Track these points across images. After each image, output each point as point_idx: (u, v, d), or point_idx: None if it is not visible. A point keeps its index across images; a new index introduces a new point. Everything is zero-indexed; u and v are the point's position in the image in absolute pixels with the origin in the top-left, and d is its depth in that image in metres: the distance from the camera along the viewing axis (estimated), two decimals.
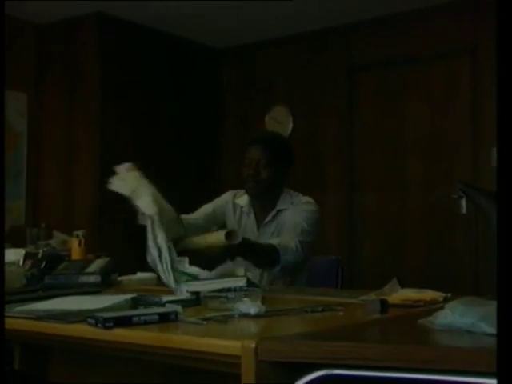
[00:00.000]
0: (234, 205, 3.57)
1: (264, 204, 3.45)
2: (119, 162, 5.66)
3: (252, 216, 3.48)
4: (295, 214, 3.36)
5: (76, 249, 3.52)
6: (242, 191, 3.56)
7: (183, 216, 3.42)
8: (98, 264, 3.14)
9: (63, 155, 5.83)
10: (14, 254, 2.10)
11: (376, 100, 5.90)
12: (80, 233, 3.58)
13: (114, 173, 2.76)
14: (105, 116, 5.72)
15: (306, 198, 3.48)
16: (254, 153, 3.43)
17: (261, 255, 3.10)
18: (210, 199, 3.64)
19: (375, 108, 5.89)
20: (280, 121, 6.28)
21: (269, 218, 3.41)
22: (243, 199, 3.55)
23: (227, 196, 3.65)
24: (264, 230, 3.42)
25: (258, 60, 6.48)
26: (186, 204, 6.18)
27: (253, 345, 1.55)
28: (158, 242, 2.51)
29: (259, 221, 3.46)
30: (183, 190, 6.18)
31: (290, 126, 6.23)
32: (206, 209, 3.61)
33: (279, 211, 3.41)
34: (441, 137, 5.56)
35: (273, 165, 3.39)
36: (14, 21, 5.73)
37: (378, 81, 5.90)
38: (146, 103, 5.99)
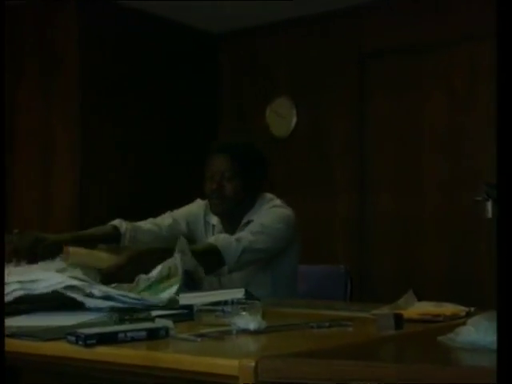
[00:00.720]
0: (205, 222, 3.51)
1: (234, 220, 3.37)
2: (102, 160, 5.73)
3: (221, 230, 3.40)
4: (259, 216, 3.28)
5: None
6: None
7: (149, 221, 3.58)
8: (78, 273, 3.13)
9: (38, 152, 5.83)
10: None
11: (390, 91, 5.90)
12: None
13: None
14: (86, 108, 5.72)
15: (278, 202, 3.38)
16: (217, 164, 3.33)
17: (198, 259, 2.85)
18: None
19: (389, 100, 5.90)
20: (282, 114, 6.28)
21: (237, 232, 3.29)
22: (213, 217, 3.47)
23: (198, 209, 3.57)
24: None
25: (258, 46, 6.48)
26: (178, 202, 6.22)
27: (252, 364, 1.56)
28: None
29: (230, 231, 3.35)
30: (174, 187, 6.19)
31: (294, 119, 6.24)
32: (174, 220, 3.57)
33: (249, 221, 3.31)
34: (463, 132, 5.57)
35: (240, 177, 3.29)
36: None
37: (392, 69, 5.91)
38: (132, 94, 5.99)
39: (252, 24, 6.35)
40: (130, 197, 5.90)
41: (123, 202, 5.85)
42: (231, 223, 3.37)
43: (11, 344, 2.00)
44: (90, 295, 2.36)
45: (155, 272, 2.55)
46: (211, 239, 3.15)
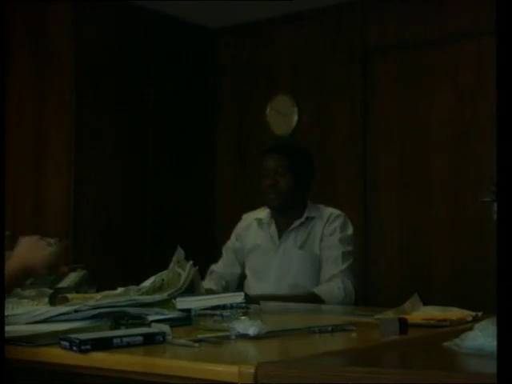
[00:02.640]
0: (253, 222, 3.84)
1: (288, 215, 3.72)
2: (97, 159, 5.72)
3: (273, 226, 3.76)
4: (332, 233, 3.67)
5: None
6: (260, 209, 3.86)
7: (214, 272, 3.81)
8: (72, 278, 3.13)
9: (31, 152, 5.81)
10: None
11: (394, 88, 5.89)
12: (52, 241, 3.58)
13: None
14: (79, 105, 5.71)
15: (335, 211, 3.80)
16: (269, 162, 3.70)
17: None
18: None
19: (393, 97, 5.89)
20: (283, 112, 6.28)
21: (296, 224, 3.69)
22: (263, 212, 3.82)
23: (244, 223, 3.90)
24: (287, 238, 3.69)
25: (258, 42, 6.47)
26: (175, 202, 6.23)
27: (251, 370, 1.56)
28: None
29: (281, 230, 3.73)
30: (172, 188, 6.20)
31: (295, 118, 6.23)
32: (230, 256, 3.87)
33: (308, 218, 3.70)
34: (470, 130, 5.56)
35: (291, 173, 3.66)
36: None
37: (396, 66, 5.90)
38: (128, 91, 5.99)
39: (252, 20, 6.34)
40: (125, 197, 5.90)
41: (117, 202, 5.85)
42: (286, 216, 3.73)
43: (5, 350, 2.01)
44: (78, 310, 2.37)
45: (148, 283, 2.55)
46: (315, 289, 3.50)
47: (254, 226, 3.81)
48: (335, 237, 3.64)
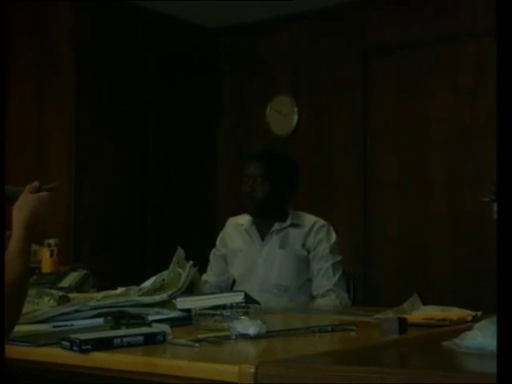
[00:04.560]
0: (236, 227, 3.85)
1: (267, 221, 3.73)
2: (98, 159, 5.72)
3: (255, 231, 3.76)
4: (318, 243, 3.66)
5: (47, 260, 3.52)
6: (243, 214, 3.86)
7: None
8: (72, 278, 3.14)
9: (32, 152, 5.81)
10: None
11: (394, 88, 5.89)
12: (52, 241, 3.59)
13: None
14: (81, 105, 5.70)
15: (318, 220, 3.75)
16: (249, 169, 3.73)
17: None
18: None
19: (394, 97, 5.89)
20: (283, 112, 6.27)
21: (276, 227, 3.70)
22: (245, 218, 3.83)
23: (230, 226, 3.91)
24: (269, 240, 3.72)
25: (258, 42, 6.47)
26: (175, 202, 6.23)
27: (252, 370, 1.56)
28: None
29: (263, 233, 3.75)
30: (172, 188, 6.20)
31: (295, 118, 6.23)
32: (220, 264, 3.87)
33: (292, 224, 3.70)
34: (469, 130, 5.56)
35: (269, 181, 3.67)
36: None
37: (397, 66, 5.90)
38: (128, 93, 5.98)
39: (252, 20, 6.34)
40: (125, 198, 5.90)
41: (118, 202, 5.85)
42: (263, 225, 3.75)
43: (5, 349, 2.00)
44: (79, 310, 2.36)
45: (148, 283, 2.55)
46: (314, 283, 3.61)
47: (236, 231, 3.82)
48: (323, 248, 3.64)
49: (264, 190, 3.64)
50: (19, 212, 2.14)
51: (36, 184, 2.21)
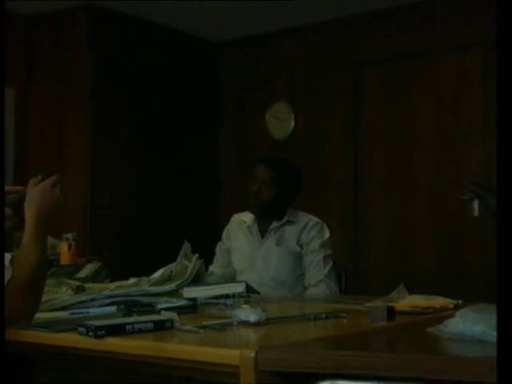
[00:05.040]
0: (239, 224, 3.83)
1: (268, 219, 3.72)
2: (112, 161, 5.72)
3: (256, 228, 3.75)
4: (311, 239, 3.65)
5: (65, 253, 3.51)
6: (247, 211, 3.83)
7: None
8: (89, 269, 3.14)
9: (52, 154, 5.81)
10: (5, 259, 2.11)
11: (383, 96, 5.89)
12: (70, 236, 3.58)
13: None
14: (96, 113, 5.70)
15: (313, 218, 3.74)
16: (259, 172, 3.70)
17: None
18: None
19: (382, 104, 5.88)
20: (281, 118, 6.27)
21: (274, 225, 3.69)
22: (248, 216, 3.80)
23: (233, 223, 3.90)
24: (268, 237, 3.70)
25: (258, 54, 6.46)
26: (182, 201, 6.22)
27: (252, 354, 1.56)
28: None
29: (263, 231, 3.74)
30: (179, 188, 6.19)
31: (292, 123, 6.22)
32: (225, 256, 3.87)
33: (288, 222, 3.69)
34: (451, 135, 5.55)
35: (276, 187, 3.65)
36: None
37: (385, 75, 5.89)
38: (139, 99, 5.98)
39: (253, 34, 6.33)
40: (137, 197, 5.89)
41: (130, 201, 5.85)
42: (263, 223, 3.73)
43: (23, 335, 2.00)
44: (94, 299, 2.36)
45: (157, 274, 2.54)
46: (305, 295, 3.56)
47: (239, 228, 3.81)
48: (316, 243, 3.63)
49: (270, 193, 3.63)
50: (28, 207, 2.12)
51: (38, 178, 2.17)
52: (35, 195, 2.13)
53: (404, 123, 5.76)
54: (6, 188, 2.35)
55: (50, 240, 3.71)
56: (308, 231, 3.65)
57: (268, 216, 3.71)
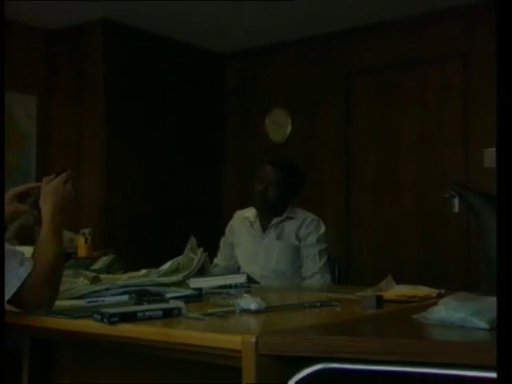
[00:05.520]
0: (242, 219, 3.82)
1: (270, 215, 3.71)
2: (125, 163, 5.72)
3: (258, 223, 3.73)
4: (308, 234, 3.65)
5: (82, 246, 3.51)
6: (249, 208, 3.83)
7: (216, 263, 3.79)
8: (103, 261, 3.13)
9: (70, 155, 5.81)
10: (27, 251, 2.10)
11: (372, 104, 5.88)
12: (86, 231, 3.57)
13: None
14: (110, 118, 5.70)
15: (310, 214, 3.73)
16: (268, 172, 3.67)
17: None
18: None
19: (371, 111, 5.88)
20: (279, 123, 6.26)
21: (275, 221, 3.68)
22: (251, 212, 3.79)
23: (236, 220, 3.88)
24: (269, 232, 3.69)
25: (259, 64, 6.46)
26: (189, 199, 6.21)
27: (253, 339, 1.55)
28: None
29: (264, 226, 3.72)
30: (187, 187, 6.18)
31: (289, 128, 6.22)
32: (228, 250, 3.85)
33: (287, 218, 3.68)
34: (434, 139, 5.54)
35: (282, 188, 3.63)
36: (23, 27, 5.74)
37: (374, 85, 5.89)
38: (150, 106, 5.98)
39: (254, 46, 6.33)
40: (148, 196, 5.89)
41: (142, 199, 5.84)
42: (265, 219, 3.71)
43: (45, 321, 2.00)
44: (108, 288, 2.35)
45: (166, 266, 2.53)
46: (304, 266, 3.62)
47: (242, 223, 3.80)
48: (312, 238, 3.63)
49: (275, 193, 3.62)
50: (43, 204, 2.11)
51: (51, 176, 2.15)
52: (49, 192, 2.11)
53: (391, 128, 5.75)
54: (22, 187, 2.37)
55: (69, 234, 3.72)
56: (306, 227, 3.65)
57: (270, 213, 3.69)
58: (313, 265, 3.58)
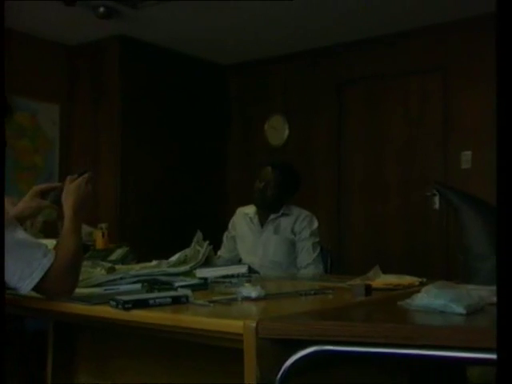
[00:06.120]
0: (243, 215, 3.80)
1: (268, 212, 3.69)
2: (138, 165, 5.71)
3: (257, 219, 3.72)
4: (302, 229, 3.62)
5: (100, 239, 3.51)
6: (250, 205, 3.80)
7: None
8: (118, 253, 3.12)
9: (89, 158, 5.82)
10: (50, 244, 2.11)
11: (361, 111, 5.88)
12: (103, 225, 3.57)
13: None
14: (125, 124, 5.71)
15: (304, 211, 3.70)
16: (268, 173, 3.64)
17: None
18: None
19: (360, 118, 5.87)
20: (277, 128, 6.26)
21: (272, 217, 3.66)
22: (251, 209, 3.77)
23: (238, 216, 3.86)
24: (267, 227, 3.67)
25: (259, 75, 6.45)
26: (196, 197, 6.20)
27: (253, 324, 1.54)
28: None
29: (263, 222, 3.70)
30: (194, 187, 6.18)
31: (286, 132, 6.22)
32: (231, 243, 3.82)
33: (283, 214, 3.66)
34: (416, 143, 5.54)
35: (279, 187, 3.60)
36: (48, 43, 5.74)
37: (362, 94, 5.88)
38: (161, 113, 5.98)
39: (255, 59, 6.33)
40: (158, 195, 5.89)
41: (154, 198, 5.84)
42: (263, 215, 3.69)
43: (67, 306, 1.99)
44: (123, 277, 2.34)
45: (174, 257, 2.52)
46: (298, 275, 3.55)
47: (243, 219, 3.78)
48: (306, 232, 3.60)
49: (273, 192, 3.59)
50: (66, 200, 2.10)
51: (74, 176, 2.15)
52: (72, 190, 2.11)
53: (378, 133, 5.75)
54: (45, 185, 2.38)
55: (87, 228, 3.71)
56: (300, 222, 3.63)
57: (268, 209, 3.67)
58: (307, 256, 3.57)
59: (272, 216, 3.66)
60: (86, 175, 2.14)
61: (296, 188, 3.75)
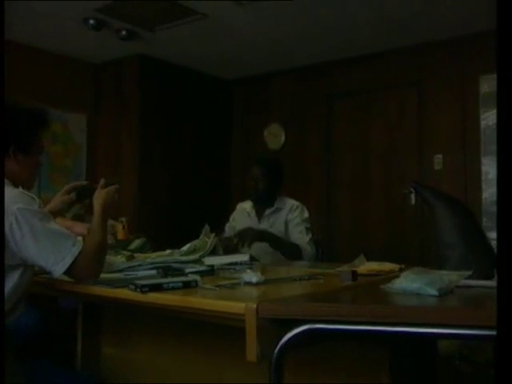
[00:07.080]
0: (242, 210, 3.81)
1: (263, 206, 3.66)
2: (154, 167, 5.70)
3: (254, 213, 3.70)
4: (295, 217, 3.58)
5: (120, 231, 3.49)
6: (247, 200, 3.81)
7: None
8: (137, 243, 3.11)
9: (112, 161, 5.81)
10: (84, 228, 2.16)
11: (348, 120, 5.86)
12: (124, 219, 3.55)
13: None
14: (143, 131, 5.71)
15: (295, 202, 3.67)
16: (255, 171, 3.64)
17: (286, 247, 3.42)
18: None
19: (347, 126, 5.86)
20: (275, 134, 6.25)
21: (267, 212, 3.63)
22: (248, 204, 3.77)
23: (238, 210, 3.86)
24: (263, 221, 3.64)
25: (260, 88, 6.44)
26: (204, 196, 6.18)
27: (254, 306, 1.53)
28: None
29: (259, 216, 3.67)
30: (202, 187, 6.17)
31: (283, 138, 6.20)
32: (231, 232, 3.75)
33: (277, 208, 3.63)
34: (395, 148, 5.53)
35: (267, 180, 3.59)
36: (76, 61, 5.74)
37: (349, 105, 5.86)
38: (174, 122, 5.97)
39: (256, 73, 6.32)
40: (172, 193, 5.88)
41: (168, 195, 5.83)
42: (260, 209, 3.67)
43: (94, 289, 1.98)
44: (141, 264, 2.33)
45: (185, 247, 2.51)
46: (293, 238, 3.51)
47: (242, 213, 3.77)
48: (298, 219, 3.57)
49: (263, 186, 3.57)
50: (97, 201, 2.14)
51: (103, 181, 2.21)
52: (104, 193, 2.17)
53: (363, 139, 5.73)
54: (72, 184, 2.47)
55: (110, 222, 3.69)
56: (292, 212, 3.60)
57: (263, 203, 3.64)
58: (301, 239, 3.51)
59: (267, 211, 3.63)
60: (116, 186, 2.22)
61: (281, 177, 3.70)
